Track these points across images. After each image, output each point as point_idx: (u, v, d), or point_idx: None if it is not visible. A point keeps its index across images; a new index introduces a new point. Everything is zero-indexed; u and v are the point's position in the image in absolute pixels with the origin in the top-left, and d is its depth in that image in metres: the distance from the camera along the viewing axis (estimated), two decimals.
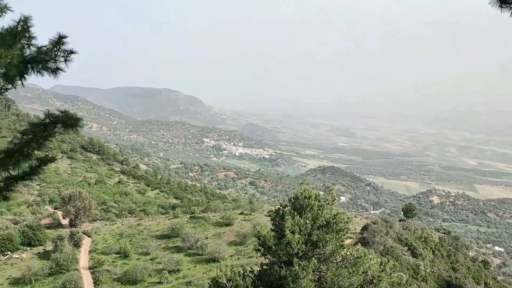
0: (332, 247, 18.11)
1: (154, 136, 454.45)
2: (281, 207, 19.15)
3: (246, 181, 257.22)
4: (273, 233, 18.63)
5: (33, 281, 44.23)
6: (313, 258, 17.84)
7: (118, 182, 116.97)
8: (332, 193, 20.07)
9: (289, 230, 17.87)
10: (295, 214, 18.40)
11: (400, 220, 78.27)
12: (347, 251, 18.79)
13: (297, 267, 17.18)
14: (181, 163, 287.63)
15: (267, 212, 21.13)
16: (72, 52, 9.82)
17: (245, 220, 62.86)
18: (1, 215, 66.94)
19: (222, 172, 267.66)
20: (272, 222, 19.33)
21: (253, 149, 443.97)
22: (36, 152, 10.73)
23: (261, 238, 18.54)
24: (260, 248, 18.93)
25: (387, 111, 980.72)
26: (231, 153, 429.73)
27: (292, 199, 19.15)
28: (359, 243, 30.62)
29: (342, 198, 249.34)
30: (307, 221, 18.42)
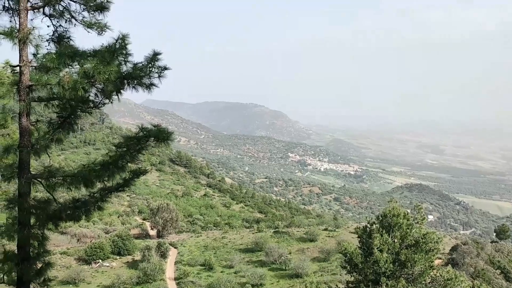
0: (421, 268, 17.55)
1: (239, 150, 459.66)
2: (368, 225, 18.79)
3: (331, 197, 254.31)
4: (360, 250, 18.30)
5: None
6: (401, 278, 17.34)
7: (204, 195, 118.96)
8: (421, 211, 19.50)
9: (377, 249, 17.49)
10: (383, 232, 17.99)
11: (492, 242, 74.64)
12: (436, 272, 18.12)
13: (384, 287, 16.77)
14: (266, 178, 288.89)
15: (354, 229, 20.78)
16: (165, 68, 10.15)
17: (329, 236, 62.04)
18: (94, 224, 69.55)
19: (306, 187, 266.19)
20: (359, 239, 18.99)
21: (338, 165, 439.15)
22: (129, 164, 11.12)
23: (348, 255, 18.25)
24: (346, 265, 18.64)
25: (479, 127, 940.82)
26: (316, 168, 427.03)
27: (379, 217, 18.75)
28: (449, 265, 29.45)
29: (430, 217, 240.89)
30: (395, 240, 17.97)
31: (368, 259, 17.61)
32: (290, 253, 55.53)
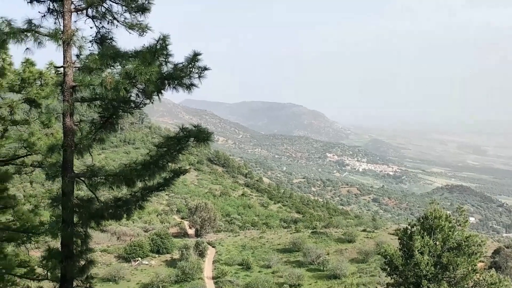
0: (464, 271, 17.22)
1: (277, 150, 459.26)
2: (409, 227, 18.54)
3: (369, 197, 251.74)
4: (400, 252, 18.07)
5: (161, 287, 46.08)
6: (443, 281, 17.04)
7: (242, 194, 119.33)
8: (464, 213, 19.12)
9: (418, 251, 17.24)
10: (425, 234, 17.71)
11: None
12: (479, 276, 17.74)
13: None
14: (303, 178, 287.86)
15: (393, 230, 20.54)
16: (205, 68, 10.19)
17: (367, 237, 61.51)
18: (133, 222, 70.57)
19: (344, 187, 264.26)
20: (399, 241, 18.76)
21: (376, 165, 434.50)
22: (169, 164, 11.21)
23: (388, 257, 18.04)
24: (386, 267, 18.43)
25: None
26: (354, 168, 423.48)
27: (421, 219, 18.48)
28: (492, 268, 28.79)
29: (471, 219, 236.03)
30: (437, 242, 17.68)
31: (408, 261, 17.38)
32: (328, 254, 55.28)
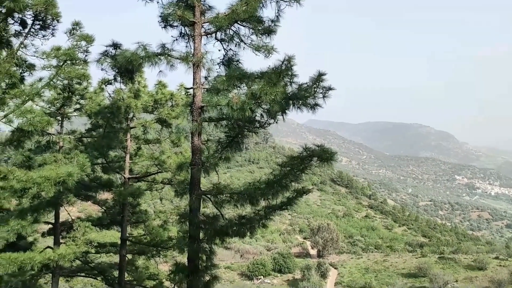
0: None
1: (402, 171, 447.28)
2: None
3: (503, 223, 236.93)
4: None
5: None
6: None
7: (365, 216, 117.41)
8: None
9: None
10: None
11: None
12: None
13: None
14: (430, 201, 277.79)
15: None
16: (330, 88, 10.15)
17: (500, 265, 57.74)
18: (256, 241, 71.61)
19: (475, 212, 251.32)
20: None
21: (511, 189, 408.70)
22: (292, 183, 11.25)
23: None
24: None
25: None
26: (486, 192, 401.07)
27: None
28: None
29: None
30: None
31: None
32: (456, 281, 52.64)
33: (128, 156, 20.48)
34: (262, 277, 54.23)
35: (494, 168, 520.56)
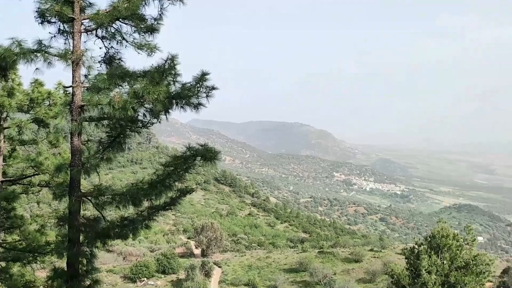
0: None
1: (284, 169, 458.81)
2: (416, 246, 18.42)
3: (377, 217, 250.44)
4: (407, 272, 17.94)
5: None
6: None
7: (249, 214, 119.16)
8: (472, 232, 18.98)
9: (425, 270, 17.12)
10: (432, 253, 17.59)
11: None
12: None
13: None
14: (310, 197, 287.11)
15: (401, 250, 20.43)
16: (213, 88, 10.23)
17: (375, 257, 61.04)
18: (139, 242, 70.38)
19: (351, 207, 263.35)
20: (406, 260, 18.66)
21: (384, 185, 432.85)
22: (176, 183, 11.22)
23: (395, 276, 17.92)
24: (393, 287, 18.29)
25: None
26: (362, 188, 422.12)
27: (428, 238, 18.40)
28: None
29: (479, 239, 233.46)
30: (445, 262, 17.54)
31: (416, 280, 17.24)
32: (335, 274, 54.88)
33: (1, 158, 19.38)
34: (145, 279, 53.33)
35: (369, 164, 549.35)
